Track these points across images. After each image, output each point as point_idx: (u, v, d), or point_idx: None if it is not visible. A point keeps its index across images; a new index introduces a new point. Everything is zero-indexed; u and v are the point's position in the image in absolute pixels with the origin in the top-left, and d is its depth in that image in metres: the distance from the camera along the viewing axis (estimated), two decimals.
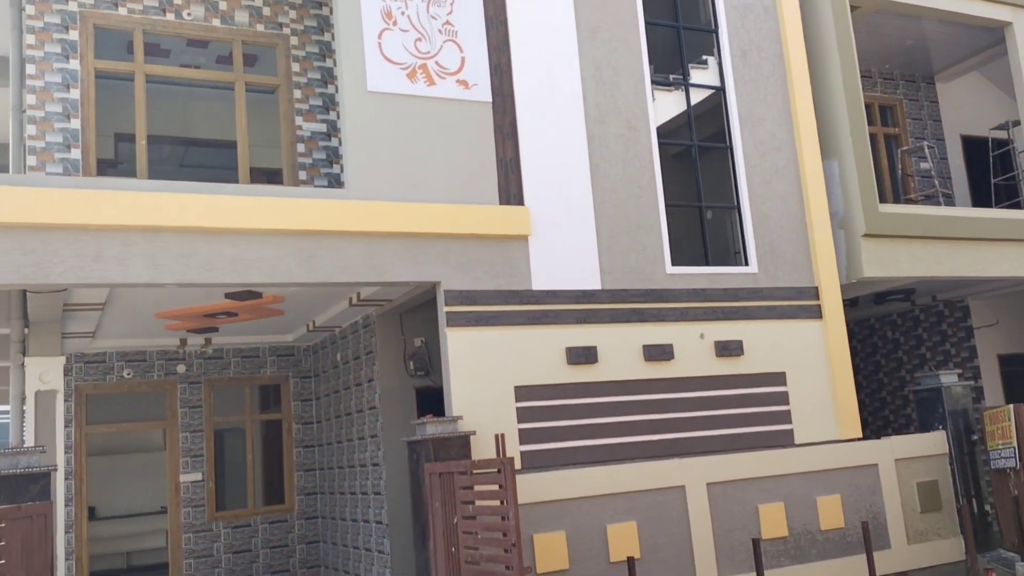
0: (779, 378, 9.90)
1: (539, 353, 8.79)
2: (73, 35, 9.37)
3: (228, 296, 9.27)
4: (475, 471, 7.28)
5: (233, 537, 11.95)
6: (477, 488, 7.31)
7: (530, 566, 6.67)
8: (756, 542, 8.63)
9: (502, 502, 6.89)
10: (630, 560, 7.93)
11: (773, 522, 9.28)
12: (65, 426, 11.27)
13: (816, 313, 10.30)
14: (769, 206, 10.38)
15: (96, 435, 15.06)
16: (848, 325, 10.56)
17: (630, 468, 8.82)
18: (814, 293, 10.36)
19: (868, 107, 13.33)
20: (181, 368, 12.08)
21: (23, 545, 6.05)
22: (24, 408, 8.52)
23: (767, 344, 9.92)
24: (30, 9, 9.31)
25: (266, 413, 13.04)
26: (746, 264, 10.19)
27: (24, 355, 8.64)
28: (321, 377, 12.46)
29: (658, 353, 9.27)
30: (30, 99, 9.07)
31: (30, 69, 9.14)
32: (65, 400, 11.32)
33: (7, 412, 12.09)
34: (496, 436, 7.09)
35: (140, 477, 14.33)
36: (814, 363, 10.15)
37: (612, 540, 8.53)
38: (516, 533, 6.65)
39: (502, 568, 6.88)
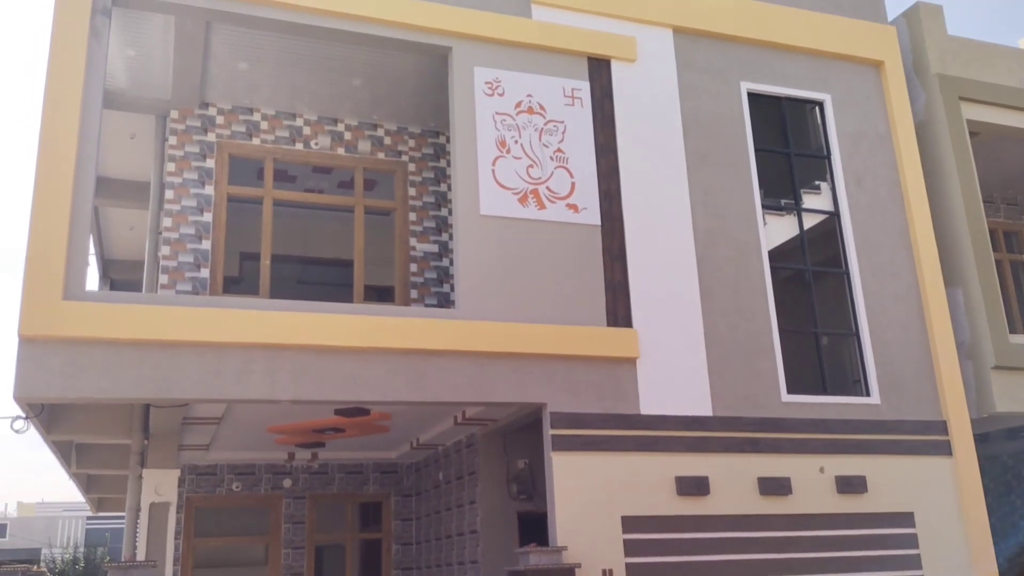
0: (907, 519, 9.23)
1: (648, 481, 8.49)
2: (210, 163, 10.03)
3: (337, 412, 9.40)
4: None
5: None
6: None
7: None
8: None
9: None
10: None
11: None
12: (175, 538, 11.48)
13: (945, 449, 9.65)
14: (890, 334, 9.95)
15: (202, 547, 15.31)
16: (978, 462, 9.82)
17: None
18: (942, 427, 9.74)
19: (992, 233, 12.81)
20: (287, 482, 12.21)
21: None
22: (138, 519, 8.72)
23: (893, 481, 9.31)
24: (172, 140, 10.06)
25: (366, 531, 12.95)
26: (867, 394, 9.71)
27: (142, 467, 8.90)
28: (423, 496, 12.35)
29: (775, 487, 8.81)
30: (166, 222, 9.68)
31: (168, 194, 9.79)
32: (176, 512, 11.57)
33: (122, 518, 12.36)
34: (604, 572, 6.79)
35: None
36: (944, 503, 9.44)
37: None
38: None
39: None
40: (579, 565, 7.78)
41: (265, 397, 7.59)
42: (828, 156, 10.55)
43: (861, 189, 10.44)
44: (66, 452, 11.06)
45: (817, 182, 10.54)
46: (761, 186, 9.99)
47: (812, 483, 9.00)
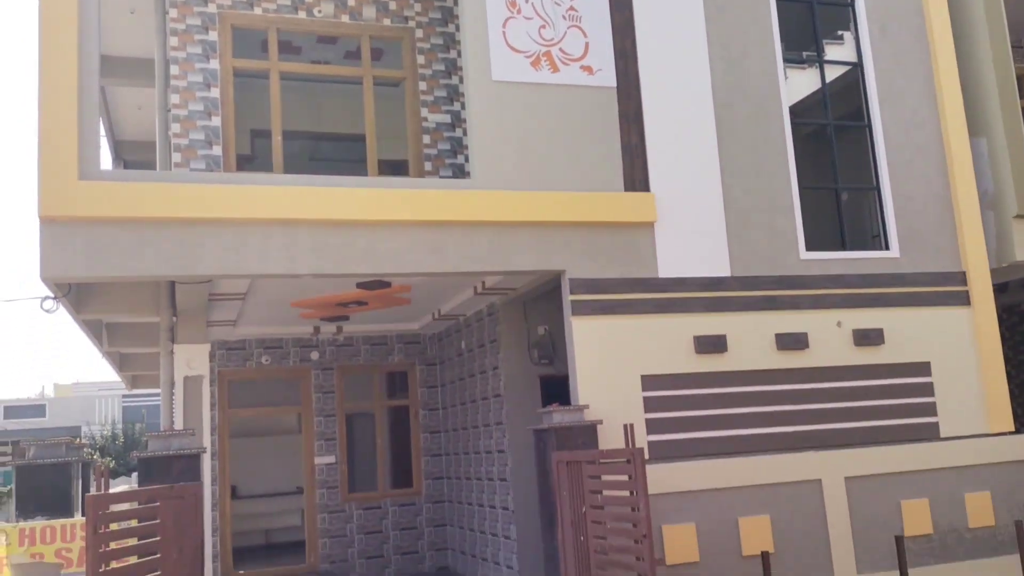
0: (923, 368, 9.38)
1: (666, 342, 8.63)
2: (212, 35, 9.79)
3: (359, 286, 9.51)
4: (604, 461, 7.23)
5: (365, 518, 12.32)
6: (605, 478, 7.25)
7: (661, 557, 6.57)
8: (899, 539, 8.23)
9: (632, 493, 6.81)
10: (764, 555, 7.70)
11: (917, 519, 8.83)
12: (209, 409, 11.90)
13: (963, 299, 9.70)
14: (911, 186, 9.83)
15: (236, 418, 15.87)
16: (997, 311, 9.88)
17: (764, 460, 8.56)
18: (961, 278, 9.76)
19: (1019, 80, 12.41)
20: (314, 355, 12.52)
21: (175, 523, 6.40)
22: (173, 393, 9.01)
23: (910, 332, 9.41)
24: (172, 13, 9.78)
25: (394, 399, 13.36)
26: (886, 248, 9.69)
27: (173, 342, 9.13)
28: (446, 364, 12.66)
29: (792, 342, 8.94)
30: (174, 99, 9.55)
31: (174, 70, 9.61)
32: (209, 385, 11.94)
33: (156, 395, 12.77)
34: (625, 426, 7.00)
35: (277, 458, 15.00)
36: (961, 352, 9.57)
37: (744, 533, 8.31)
38: (647, 525, 6.55)
39: (632, 559, 6.81)
40: (600, 422, 8.03)
41: (285, 272, 7.68)
42: (852, 3, 10.14)
43: (885, 37, 10.07)
44: (97, 331, 11.32)
45: (840, 32, 10.17)
46: (782, 38, 9.66)
47: (829, 337, 9.12)
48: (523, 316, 10.54)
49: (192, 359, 9.08)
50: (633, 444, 6.85)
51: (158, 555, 6.19)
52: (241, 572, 11.82)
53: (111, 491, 6.05)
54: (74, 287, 8.95)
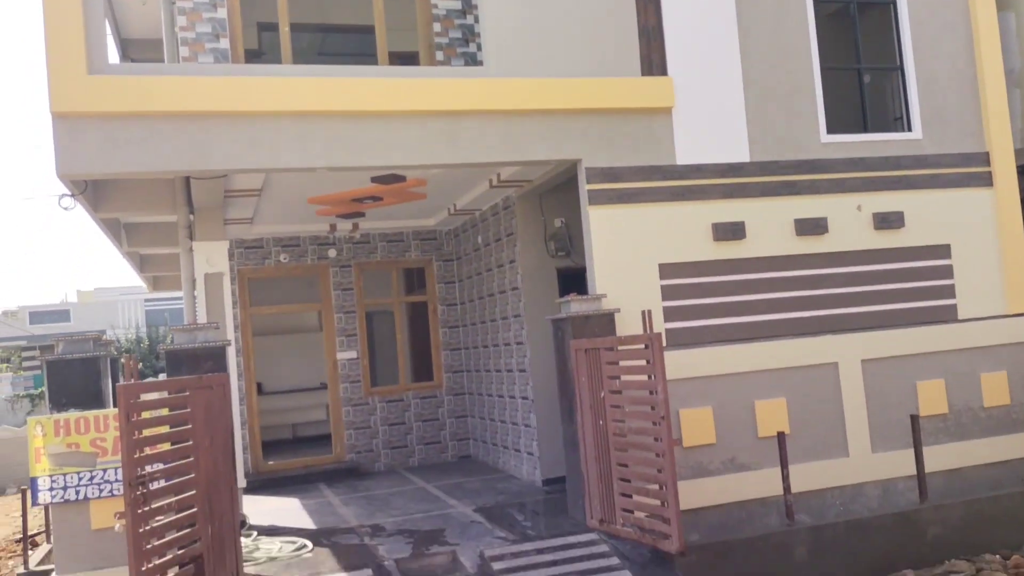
0: (943, 251, 9.32)
1: (684, 230, 8.59)
2: None
3: (374, 180, 9.47)
4: (621, 347, 7.31)
5: (388, 411, 12.61)
6: (623, 364, 7.35)
7: (678, 438, 6.72)
8: (915, 418, 8.35)
9: (650, 377, 6.91)
10: (780, 435, 7.86)
11: (932, 399, 8.94)
12: (231, 307, 12.06)
13: (986, 180, 9.55)
14: (936, 65, 9.55)
15: (259, 316, 16.10)
16: (1020, 193, 9.74)
17: (780, 344, 8.64)
18: (984, 159, 9.58)
19: None
20: (332, 253, 12.58)
21: (206, 412, 6.57)
22: (195, 291, 9.12)
23: (931, 215, 9.32)
24: None
25: (412, 295, 13.49)
26: (908, 130, 9.50)
27: (192, 240, 9.18)
28: (463, 260, 12.70)
29: (811, 227, 8.88)
30: None
31: None
32: (230, 282, 12.07)
33: (179, 297, 12.86)
34: (643, 313, 7.05)
35: (301, 355, 15.29)
36: (982, 234, 9.48)
37: (760, 416, 8.46)
38: (665, 407, 6.68)
39: (650, 440, 6.97)
40: (618, 311, 8.09)
41: (299, 165, 7.63)
42: None
43: None
44: (116, 231, 11.40)
45: None
46: None
47: (849, 221, 9.05)
48: (539, 208, 10.50)
49: (211, 256, 9.13)
50: (651, 329, 6.91)
51: (190, 443, 6.39)
52: (271, 462, 12.22)
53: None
54: (90, 185, 8.97)
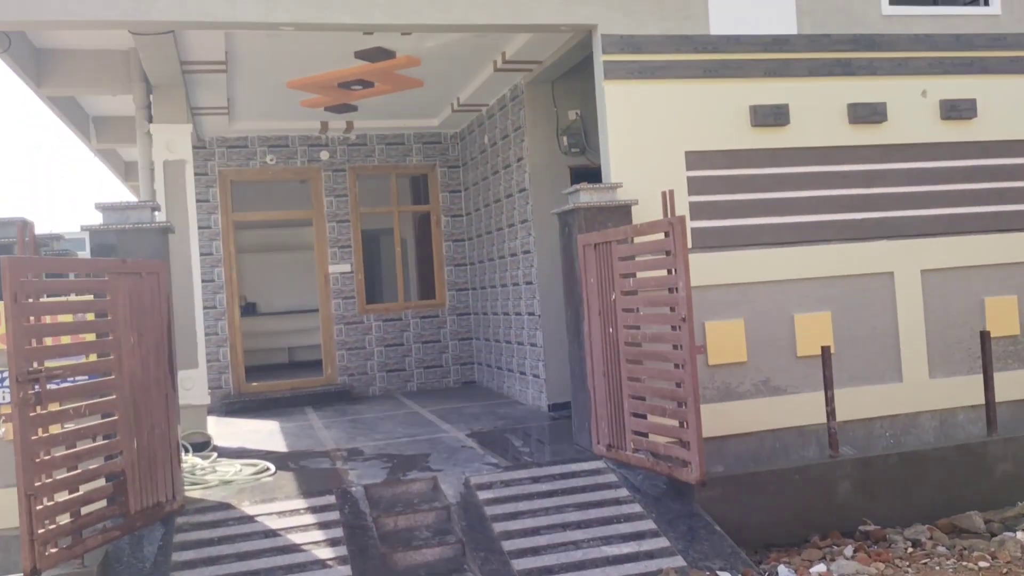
0: (1020, 147, 7.93)
1: (717, 112, 7.26)
2: None
3: (358, 56, 8.23)
4: (637, 237, 6.08)
5: (384, 331, 11.53)
6: (639, 259, 6.13)
7: (702, 344, 5.54)
8: (985, 336, 7.06)
9: (670, 271, 5.68)
10: (824, 351, 6.62)
11: (1002, 318, 7.64)
12: (211, 213, 10.95)
13: None
14: None
15: (253, 232, 15.00)
16: None
17: (827, 250, 7.36)
18: None
19: None
20: (324, 155, 11.39)
21: (132, 304, 5.46)
22: (154, 182, 7.99)
23: (1008, 105, 7.90)
24: None
25: (413, 205, 12.28)
26: (985, 3, 8.03)
27: (149, 122, 8.00)
28: (469, 165, 11.45)
29: (867, 114, 7.50)
30: None
31: None
32: (209, 187, 10.95)
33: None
34: (664, 193, 5.79)
35: (298, 275, 14.21)
36: None
37: (800, 332, 7.22)
38: (687, 306, 5.46)
39: (668, 349, 5.77)
40: (635, 202, 6.83)
41: (259, 20, 6.38)
42: None
43: None
44: (83, 126, 10.29)
45: None
46: None
47: (911, 109, 7.66)
48: (551, 99, 9.20)
49: (172, 141, 7.95)
50: (672, 212, 5.66)
51: (109, 337, 5.29)
52: (254, 384, 11.21)
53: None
54: (33, 55, 7.81)
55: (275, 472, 6.92)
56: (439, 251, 11.81)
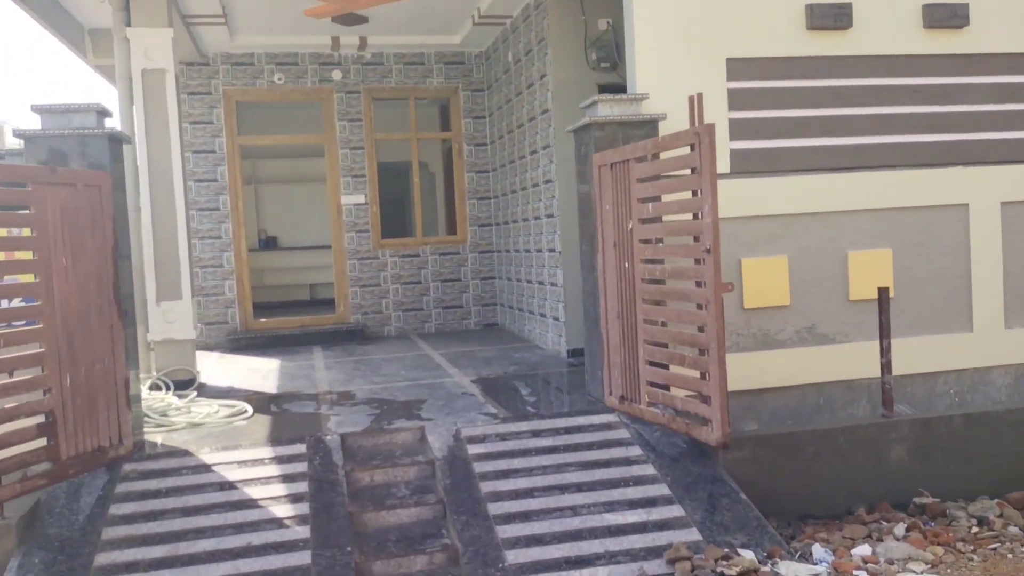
0: None
1: (765, 12, 6.19)
2: None
3: None
4: (658, 152, 5.11)
5: (401, 267, 10.74)
6: (663, 179, 5.17)
7: (731, 282, 4.62)
8: None
9: (695, 193, 4.73)
10: (882, 293, 5.62)
11: None
12: (215, 136, 10.21)
13: None
14: None
15: (274, 165, 14.27)
16: None
17: (890, 177, 6.30)
18: None
19: None
20: (337, 74, 10.50)
21: (66, 220, 4.71)
22: (132, 94, 7.21)
23: None
24: None
25: (433, 131, 11.37)
26: None
27: (127, 25, 7.20)
28: (494, 88, 10.47)
29: (946, 16, 6.34)
30: None
31: None
32: (213, 107, 10.18)
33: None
34: (691, 99, 4.81)
35: (322, 209, 13.48)
36: None
37: (854, 271, 6.21)
38: (713, 234, 4.52)
39: (692, 287, 4.85)
40: (663, 117, 5.84)
41: None
42: None
43: None
44: (78, 40, 9.55)
45: None
46: None
47: (999, 11, 6.47)
48: (579, 6, 8.15)
49: (151, 47, 7.14)
50: (700, 119, 4.68)
51: (35, 257, 4.56)
52: (262, 320, 10.56)
53: None
54: None
55: (252, 415, 6.22)
56: (461, 182, 10.92)
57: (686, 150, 4.81)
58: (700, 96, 4.73)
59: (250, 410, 6.30)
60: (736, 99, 6.14)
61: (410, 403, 6.40)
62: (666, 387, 5.20)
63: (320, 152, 10.79)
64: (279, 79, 10.33)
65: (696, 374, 4.79)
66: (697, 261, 4.71)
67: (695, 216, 4.73)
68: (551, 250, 8.52)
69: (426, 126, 11.59)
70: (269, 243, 14.35)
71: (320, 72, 10.46)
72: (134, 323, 5.56)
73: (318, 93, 10.51)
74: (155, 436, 5.71)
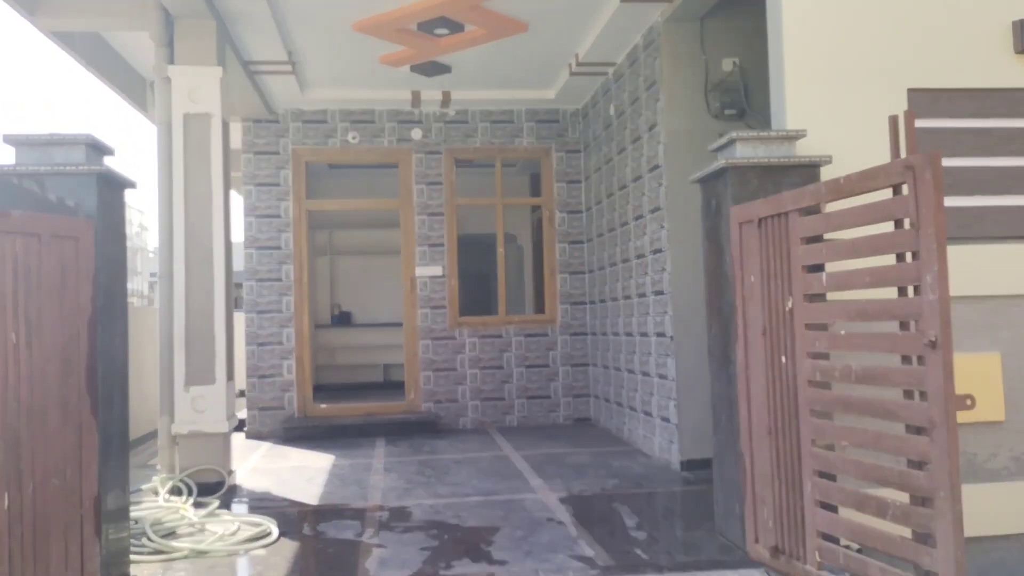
0: None
1: (960, 31, 4.69)
2: None
3: None
4: (835, 199, 3.59)
5: (481, 349, 9.35)
6: (836, 236, 3.65)
7: (971, 395, 3.03)
8: None
9: (904, 257, 3.18)
10: None
11: None
12: (280, 199, 9.16)
13: None
14: None
15: (350, 236, 13.24)
16: None
17: None
18: None
19: None
20: (416, 133, 9.39)
21: (17, 279, 3.49)
22: (172, 139, 6.16)
23: None
24: None
25: (522, 197, 10.10)
26: None
27: (169, 63, 6.19)
28: (591, 148, 9.16)
29: None
30: None
31: None
32: (280, 168, 9.16)
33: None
34: (891, 119, 3.32)
35: (398, 284, 12.35)
36: None
37: None
38: (941, 317, 2.95)
39: (897, 396, 3.25)
40: (828, 160, 4.33)
41: None
42: None
43: None
44: (139, 97, 8.73)
45: None
46: None
47: None
48: (699, 43, 6.81)
49: (195, 88, 6.10)
50: (911, 147, 3.16)
51: None
52: (323, 406, 9.28)
53: None
54: None
55: (276, 540, 4.82)
56: (551, 254, 9.56)
57: (885, 194, 3.29)
58: (910, 115, 3.22)
59: (275, 533, 4.90)
60: (923, 139, 4.59)
61: (479, 531, 4.89)
62: (849, 545, 3.56)
63: (398, 221, 9.64)
64: (353, 138, 9.27)
65: (907, 532, 3.15)
66: (907, 359, 3.12)
67: (901, 292, 3.17)
68: (660, 334, 6.99)
69: (513, 191, 10.35)
70: (343, 318, 13.24)
71: (398, 131, 9.37)
72: (123, 419, 4.27)
73: (395, 154, 9.40)
74: (149, 567, 4.36)
